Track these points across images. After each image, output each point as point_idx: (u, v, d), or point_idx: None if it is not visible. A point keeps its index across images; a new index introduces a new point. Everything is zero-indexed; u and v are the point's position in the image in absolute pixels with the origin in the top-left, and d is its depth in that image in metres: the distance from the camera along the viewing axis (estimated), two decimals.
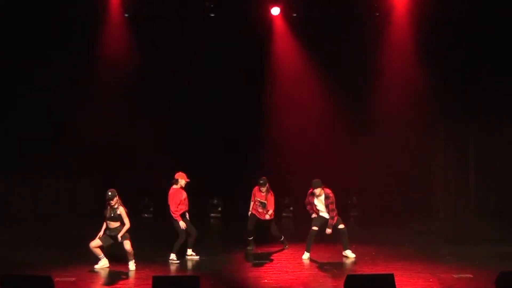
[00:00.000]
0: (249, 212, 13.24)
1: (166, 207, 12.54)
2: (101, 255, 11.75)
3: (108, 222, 11.80)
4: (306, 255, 12.44)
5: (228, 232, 16.77)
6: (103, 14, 16.96)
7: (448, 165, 18.32)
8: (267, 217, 13.00)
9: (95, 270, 11.56)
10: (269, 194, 13.06)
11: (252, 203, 13.18)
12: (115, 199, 11.67)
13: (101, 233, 11.82)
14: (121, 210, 11.72)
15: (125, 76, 17.49)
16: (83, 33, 17.01)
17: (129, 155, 17.41)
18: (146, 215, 17.90)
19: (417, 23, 17.04)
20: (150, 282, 8.71)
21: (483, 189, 18.05)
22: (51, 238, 14.68)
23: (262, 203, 12.98)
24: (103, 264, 11.74)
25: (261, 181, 12.92)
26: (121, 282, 10.85)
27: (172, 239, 12.59)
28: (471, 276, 10.84)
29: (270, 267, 11.76)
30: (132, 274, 11.31)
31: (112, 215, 11.72)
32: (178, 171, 12.73)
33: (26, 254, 12.90)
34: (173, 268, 11.96)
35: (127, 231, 11.70)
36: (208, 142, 17.94)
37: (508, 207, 17.52)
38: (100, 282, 10.59)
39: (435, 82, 17.51)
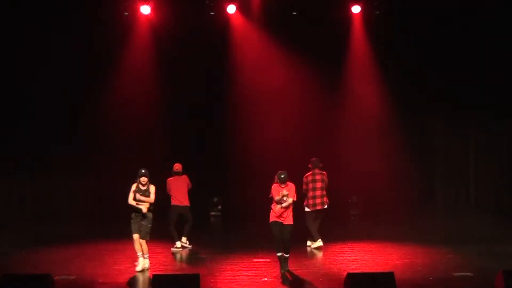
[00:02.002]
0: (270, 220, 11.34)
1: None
2: (140, 252, 11.42)
3: (137, 201, 11.47)
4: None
5: (228, 230, 16.79)
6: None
7: (448, 163, 18.34)
8: (284, 203, 11.03)
9: (137, 271, 11.24)
10: (289, 185, 11.28)
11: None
12: (147, 178, 11.47)
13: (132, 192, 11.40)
14: (152, 189, 11.52)
15: (123, 76, 17.53)
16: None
17: (129, 154, 17.40)
18: None
19: (415, 21, 17.02)
20: (151, 279, 8.72)
21: (483, 187, 18.07)
22: (51, 237, 14.68)
23: (285, 194, 11.09)
24: (143, 264, 11.41)
25: (282, 175, 11.16)
26: (121, 280, 10.82)
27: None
28: (471, 274, 10.84)
29: (270, 265, 11.75)
30: (132, 271, 11.29)
31: (141, 194, 11.44)
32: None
33: (26, 253, 12.87)
34: (173, 266, 11.95)
35: (149, 229, 11.49)
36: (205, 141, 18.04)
37: (508, 205, 17.54)
38: (100, 280, 10.57)
39: (435, 81, 17.52)
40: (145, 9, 17.10)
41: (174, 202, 13.43)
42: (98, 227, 16.27)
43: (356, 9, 17.41)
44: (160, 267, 11.79)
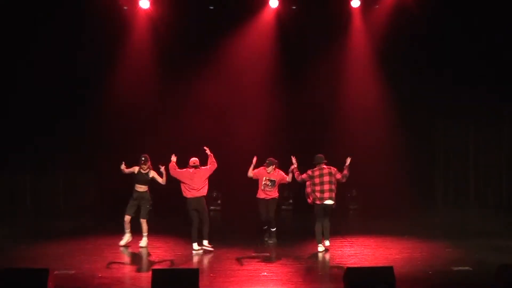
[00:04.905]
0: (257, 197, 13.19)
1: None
2: (128, 229, 12.61)
3: (136, 185, 12.64)
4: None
5: (227, 225, 16.79)
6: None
7: (448, 158, 18.35)
8: (289, 179, 12.95)
9: (121, 246, 12.59)
10: (277, 171, 13.10)
11: (251, 172, 13.10)
12: (148, 164, 12.51)
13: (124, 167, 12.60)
14: (153, 173, 12.60)
15: (120, 72, 17.53)
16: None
17: (128, 151, 17.38)
18: None
19: (415, 19, 16.95)
20: (150, 274, 8.73)
21: (483, 182, 18.08)
22: (50, 231, 14.68)
23: (272, 180, 13.00)
24: (127, 239, 12.68)
25: (267, 161, 13.01)
26: (120, 275, 10.82)
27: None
28: (470, 269, 10.85)
29: (269, 260, 11.75)
30: (131, 266, 11.30)
31: (143, 178, 12.57)
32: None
33: (26, 247, 12.86)
34: (172, 261, 11.95)
35: (149, 211, 12.76)
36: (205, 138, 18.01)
37: (507, 200, 17.55)
38: (100, 275, 10.56)
39: (435, 78, 17.49)
40: (144, 3, 17.05)
41: (191, 194, 12.54)
42: (97, 221, 16.27)
43: (355, 3, 17.35)
44: (160, 261, 11.78)
